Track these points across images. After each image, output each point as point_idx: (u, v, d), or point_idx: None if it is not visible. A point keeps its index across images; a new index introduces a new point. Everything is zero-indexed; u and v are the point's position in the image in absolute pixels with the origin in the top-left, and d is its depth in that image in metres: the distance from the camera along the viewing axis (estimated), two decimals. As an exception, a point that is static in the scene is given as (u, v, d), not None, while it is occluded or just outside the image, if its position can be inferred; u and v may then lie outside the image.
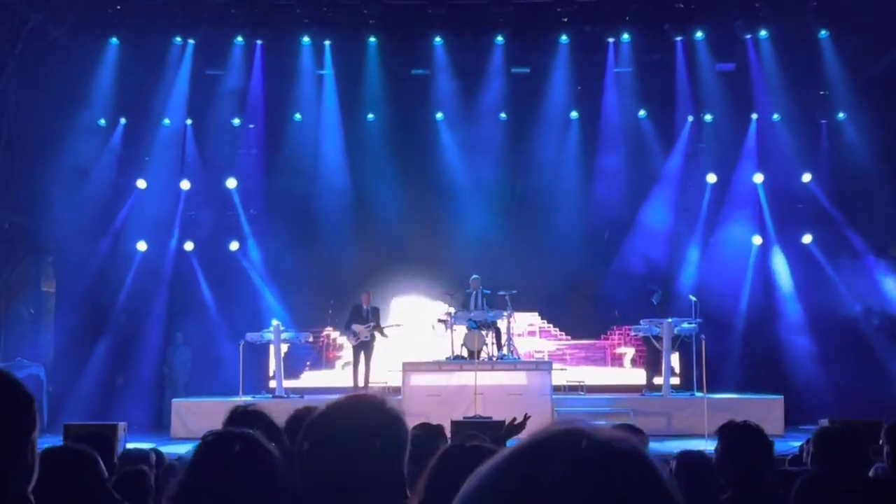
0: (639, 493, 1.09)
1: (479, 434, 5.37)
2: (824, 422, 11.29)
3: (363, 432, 2.35)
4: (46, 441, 13.19)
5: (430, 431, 6.11)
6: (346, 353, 18.24)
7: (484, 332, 16.45)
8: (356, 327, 16.93)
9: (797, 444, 10.03)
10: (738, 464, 4.46)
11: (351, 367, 17.30)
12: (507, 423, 6.24)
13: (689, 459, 5.45)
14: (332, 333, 19.18)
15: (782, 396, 15.72)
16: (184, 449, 5.96)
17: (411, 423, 2.71)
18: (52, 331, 17.96)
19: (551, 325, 19.38)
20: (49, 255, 18.01)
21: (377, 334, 17.07)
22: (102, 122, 18.26)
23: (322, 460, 2.34)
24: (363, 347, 16.98)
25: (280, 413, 3.86)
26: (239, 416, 3.71)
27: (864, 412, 13.18)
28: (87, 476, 3.87)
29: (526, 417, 6.26)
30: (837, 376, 16.96)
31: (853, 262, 17.75)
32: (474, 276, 17.06)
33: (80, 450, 3.99)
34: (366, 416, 2.40)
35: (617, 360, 19.08)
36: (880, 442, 5.36)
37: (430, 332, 17.90)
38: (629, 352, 18.94)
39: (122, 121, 18.53)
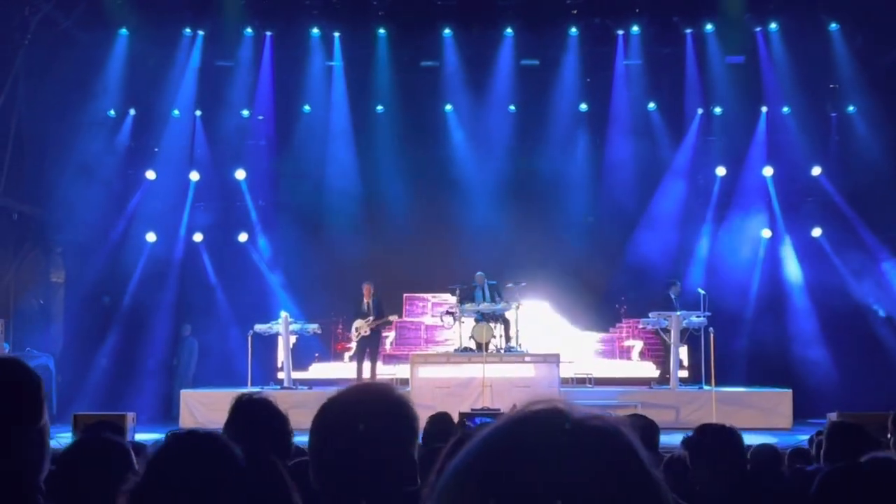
0: (617, 469, 1.10)
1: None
2: (833, 415, 11.29)
3: (372, 420, 2.35)
4: (55, 430, 13.23)
5: (444, 421, 6.12)
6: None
7: (492, 325, 16.46)
8: (357, 323, 16.93)
9: (805, 437, 10.04)
10: (708, 471, 4.56)
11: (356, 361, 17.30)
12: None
13: (671, 461, 5.53)
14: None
15: (790, 390, 15.71)
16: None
17: (421, 414, 2.72)
18: (61, 321, 18.03)
19: (560, 317, 19.32)
20: (58, 246, 18.06)
21: (380, 327, 17.13)
22: (112, 113, 18.29)
23: (331, 448, 2.34)
24: (366, 343, 16.94)
25: (288, 405, 3.86)
26: (244, 405, 3.70)
27: (872, 405, 13.15)
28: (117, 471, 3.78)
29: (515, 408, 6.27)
30: (846, 370, 16.96)
31: (862, 256, 17.69)
32: (478, 272, 17.05)
33: (115, 441, 3.87)
34: (373, 403, 2.40)
35: (625, 353, 19.05)
36: (888, 435, 5.35)
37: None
38: (637, 345, 18.91)
39: (132, 112, 18.55)
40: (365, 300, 16.99)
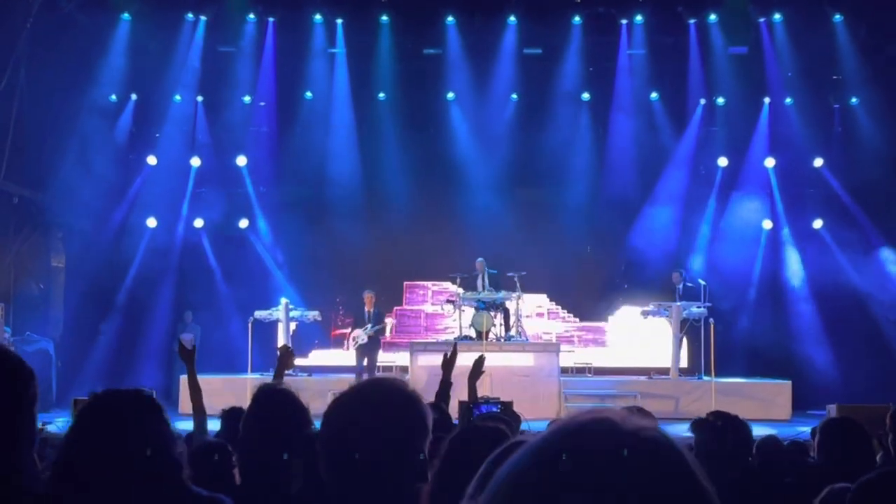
0: (670, 481, 1.11)
1: (499, 415, 5.40)
2: (832, 407, 11.31)
3: (384, 415, 2.34)
4: (55, 415, 13.24)
5: (438, 411, 6.13)
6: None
7: (492, 314, 16.45)
8: (355, 332, 16.93)
9: (804, 428, 10.05)
10: (712, 457, 4.53)
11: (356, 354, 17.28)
12: (445, 355, 6.34)
13: None
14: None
15: (790, 381, 15.72)
16: (192, 425, 6.00)
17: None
18: (61, 306, 18.02)
19: (559, 307, 19.35)
20: (59, 231, 18.05)
21: (375, 335, 17.11)
22: (113, 97, 18.24)
23: (343, 444, 2.33)
24: (365, 349, 16.84)
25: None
26: (265, 395, 3.65)
27: (871, 397, 13.18)
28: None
29: (455, 347, 6.40)
30: (846, 361, 16.98)
31: (863, 247, 17.69)
32: (479, 259, 17.04)
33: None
34: (386, 399, 2.39)
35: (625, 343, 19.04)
36: (885, 429, 5.37)
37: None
38: (639, 335, 18.88)
39: (133, 97, 18.51)
40: (366, 309, 16.91)
